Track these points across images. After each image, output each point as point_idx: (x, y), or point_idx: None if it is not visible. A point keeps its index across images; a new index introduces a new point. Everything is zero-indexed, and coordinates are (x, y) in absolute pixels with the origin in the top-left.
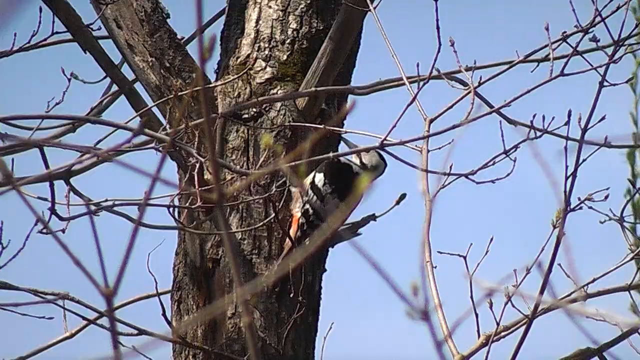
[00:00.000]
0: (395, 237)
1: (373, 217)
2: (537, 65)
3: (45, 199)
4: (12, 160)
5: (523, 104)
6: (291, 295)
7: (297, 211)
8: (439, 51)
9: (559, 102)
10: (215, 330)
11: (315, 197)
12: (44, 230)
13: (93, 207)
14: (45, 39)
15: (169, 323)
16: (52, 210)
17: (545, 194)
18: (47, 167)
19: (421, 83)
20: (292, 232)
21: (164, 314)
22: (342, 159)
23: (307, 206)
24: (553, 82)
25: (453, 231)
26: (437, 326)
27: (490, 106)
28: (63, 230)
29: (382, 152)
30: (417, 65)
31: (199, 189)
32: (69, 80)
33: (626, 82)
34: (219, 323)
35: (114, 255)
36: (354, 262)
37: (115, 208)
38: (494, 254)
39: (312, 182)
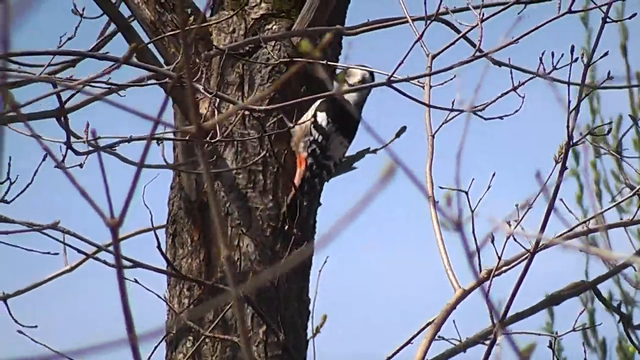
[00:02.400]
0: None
1: (373, 151)
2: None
3: (39, 137)
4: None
5: (532, 44)
6: (286, 229)
7: (302, 151)
8: None
9: (571, 40)
10: (210, 264)
11: (320, 136)
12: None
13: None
14: None
15: (164, 255)
16: (68, 145)
17: (550, 131)
18: (61, 103)
19: (428, 21)
20: (300, 172)
21: (159, 247)
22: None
23: (314, 146)
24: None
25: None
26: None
27: (481, 50)
28: (81, 165)
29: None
30: (425, 3)
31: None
32: (81, 16)
33: (630, 17)
34: (213, 257)
35: (113, 191)
36: (348, 196)
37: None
38: (498, 190)
39: (315, 121)
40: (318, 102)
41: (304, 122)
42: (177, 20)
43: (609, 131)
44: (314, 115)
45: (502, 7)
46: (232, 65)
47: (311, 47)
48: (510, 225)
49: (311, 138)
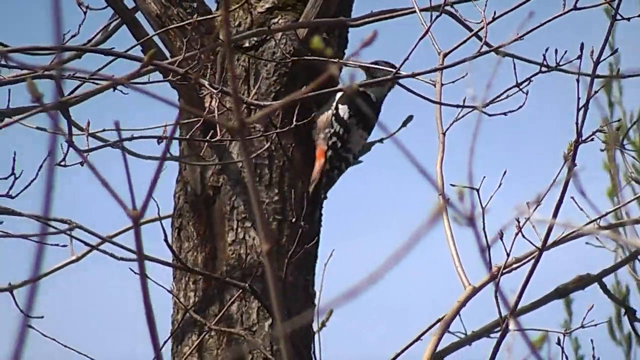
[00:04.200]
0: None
1: (380, 140)
2: None
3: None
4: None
5: (541, 40)
6: (293, 221)
7: (321, 143)
8: None
9: (576, 36)
10: (216, 258)
11: (341, 129)
12: (62, 163)
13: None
14: None
15: (170, 248)
16: (70, 143)
17: (561, 128)
18: (63, 96)
19: (434, 15)
20: (319, 164)
21: (165, 240)
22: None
23: (335, 138)
24: (568, 17)
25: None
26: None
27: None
28: (81, 163)
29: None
30: (430, 2)
31: (205, 116)
32: (85, 12)
33: (638, 15)
34: (219, 250)
35: (117, 185)
36: (354, 190)
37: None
38: (508, 187)
39: (337, 114)
40: (339, 95)
41: (325, 114)
42: (183, 14)
43: (618, 128)
44: (336, 108)
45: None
46: (238, 59)
47: (322, 43)
48: (519, 222)
49: (332, 130)
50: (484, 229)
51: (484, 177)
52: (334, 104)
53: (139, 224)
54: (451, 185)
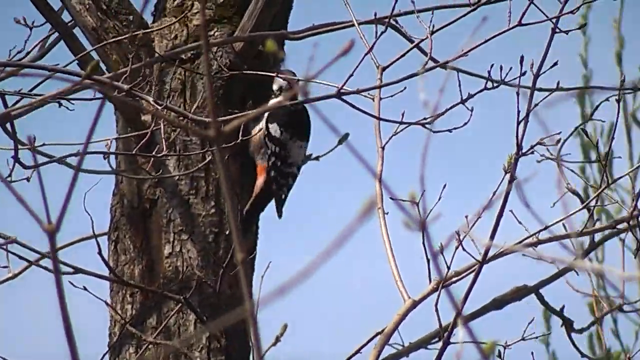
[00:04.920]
0: (350, 184)
1: (315, 158)
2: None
3: None
4: None
5: (481, 51)
6: (227, 234)
7: (260, 161)
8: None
9: (518, 50)
10: (153, 270)
11: (276, 147)
12: (8, 179)
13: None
14: None
15: (105, 261)
16: (16, 159)
17: (500, 142)
18: (6, 106)
19: (379, 29)
20: (261, 181)
21: (99, 253)
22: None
23: (274, 158)
24: (513, 33)
25: (409, 179)
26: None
27: (433, 60)
28: (27, 179)
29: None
30: (375, 14)
31: (138, 132)
32: (31, 29)
33: (578, 28)
34: (156, 263)
35: (55, 198)
36: (289, 201)
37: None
38: (449, 201)
39: (268, 134)
40: (266, 114)
41: (256, 133)
42: (120, 27)
43: (557, 141)
44: (266, 128)
45: (453, 8)
46: (174, 72)
47: (276, 46)
48: (460, 235)
49: (269, 151)
50: (423, 242)
51: (424, 190)
52: (263, 123)
53: (54, 237)
54: (390, 199)
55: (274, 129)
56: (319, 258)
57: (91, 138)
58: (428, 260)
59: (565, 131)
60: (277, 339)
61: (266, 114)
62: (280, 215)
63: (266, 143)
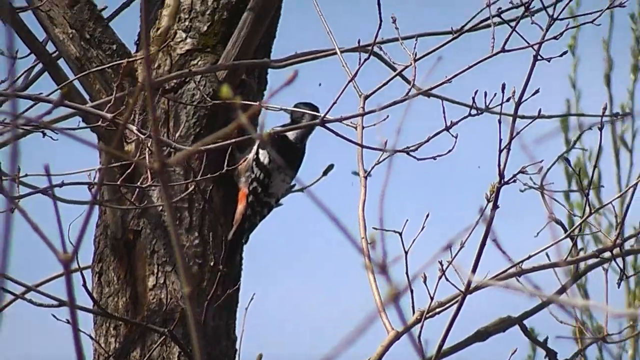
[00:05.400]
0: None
1: (300, 189)
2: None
3: None
4: None
5: (464, 80)
6: (212, 264)
7: (242, 186)
8: (379, 27)
9: (501, 76)
10: (137, 302)
11: (261, 174)
12: None
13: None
14: None
15: (89, 293)
16: (1, 189)
17: (483, 170)
18: None
19: (362, 57)
20: (241, 207)
21: (84, 285)
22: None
23: (255, 184)
24: (494, 57)
25: (392, 208)
26: (395, 279)
27: (416, 88)
28: (12, 210)
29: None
30: (359, 42)
31: (122, 162)
32: (14, 59)
33: (560, 55)
34: (140, 295)
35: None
36: (273, 232)
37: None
38: (432, 230)
39: (257, 159)
40: (259, 139)
41: (246, 158)
42: (103, 56)
43: (540, 169)
44: (257, 153)
45: (435, 37)
46: (158, 101)
47: (231, 92)
48: (442, 265)
49: (253, 175)
50: (406, 272)
51: (407, 220)
52: (255, 148)
53: (69, 267)
54: (374, 228)
55: (264, 155)
56: (339, 346)
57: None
58: (411, 291)
59: (550, 158)
60: None
61: (258, 141)
62: (246, 241)
63: (252, 168)
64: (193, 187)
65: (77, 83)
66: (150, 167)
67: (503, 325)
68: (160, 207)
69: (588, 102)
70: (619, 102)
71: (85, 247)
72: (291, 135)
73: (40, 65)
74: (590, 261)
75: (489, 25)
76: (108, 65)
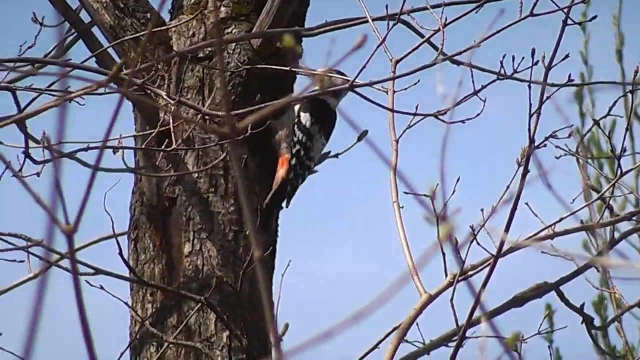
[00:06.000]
0: (364, 177)
1: (334, 155)
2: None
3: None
4: None
5: (492, 45)
6: (247, 232)
7: (284, 151)
8: None
9: (530, 41)
10: (173, 269)
11: (304, 137)
12: (19, 174)
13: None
14: None
15: (125, 261)
16: (27, 154)
17: (514, 134)
18: (19, 109)
19: (391, 24)
20: (282, 172)
21: (120, 254)
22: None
23: (298, 146)
24: (524, 22)
25: (422, 172)
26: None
27: (444, 54)
28: (38, 174)
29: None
30: (387, 7)
31: (159, 129)
32: (42, 25)
33: (590, 20)
34: (176, 262)
35: (73, 198)
36: (308, 200)
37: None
38: (463, 195)
39: (299, 122)
40: (298, 103)
41: (285, 123)
42: (137, 25)
43: (569, 135)
44: (297, 116)
45: (464, 5)
46: (192, 69)
47: (294, 43)
48: (474, 230)
49: (295, 139)
50: (438, 237)
51: (437, 184)
52: (295, 112)
53: (72, 238)
54: (405, 192)
55: (305, 118)
56: (380, 297)
57: (110, 134)
58: (444, 254)
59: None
60: (280, 338)
61: (297, 105)
62: (288, 205)
63: (294, 131)
64: (228, 153)
65: (111, 51)
66: (220, 131)
67: (540, 291)
68: (196, 174)
69: (600, 77)
70: (630, 78)
71: (120, 215)
72: (330, 100)
73: (71, 35)
74: (625, 227)
75: None
76: (142, 33)
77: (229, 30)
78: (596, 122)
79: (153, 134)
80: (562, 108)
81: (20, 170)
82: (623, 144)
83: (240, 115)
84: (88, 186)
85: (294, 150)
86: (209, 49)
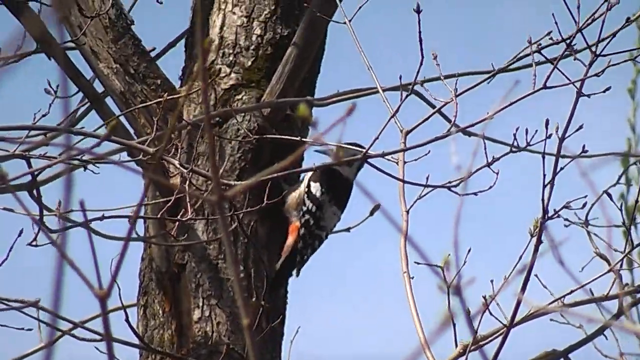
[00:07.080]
0: (375, 249)
1: (347, 229)
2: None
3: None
4: None
5: (506, 113)
6: (253, 299)
7: (294, 220)
8: (421, 64)
9: (542, 112)
10: (182, 335)
11: (314, 206)
12: (34, 243)
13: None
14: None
15: (134, 330)
16: (41, 222)
17: (525, 205)
18: (33, 177)
19: (404, 94)
20: (291, 240)
21: (127, 320)
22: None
23: (308, 216)
24: (537, 97)
25: (433, 243)
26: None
27: (457, 125)
28: (52, 243)
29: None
30: (400, 78)
31: (166, 197)
32: (55, 94)
33: (603, 92)
34: (185, 328)
35: (82, 264)
36: (318, 266)
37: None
38: (475, 264)
39: (309, 191)
40: (310, 173)
41: (296, 192)
42: (147, 91)
43: (583, 205)
44: (308, 186)
45: (476, 75)
46: (202, 136)
47: (308, 112)
48: (486, 300)
49: (304, 208)
50: (449, 307)
51: (449, 254)
52: (306, 181)
53: (105, 303)
54: (416, 262)
55: (316, 188)
56: None
57: (134, 208)
58: (454, 324)
59: (592, 195)
60: None
61: (308, 174)
62: (297, 274)
63: (304, 201)
64: (237, 221)
65: (122, 118)
66: (209, 199)
67: (548, 358)
68: (205, 241)
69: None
70: None
71: (128, 283)
72: (344, 172)
73: (83, 106)
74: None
75: (530, 65)
76: (154, 102)
77: (239, 97)
78: (605, 192)
79: (169, 204)
80: (588, 174)
81: (35, 239)
82: (633, 214)
83: (260, 180)
84: (120, 255)
85: (303, 220)
86: (218, 117)
